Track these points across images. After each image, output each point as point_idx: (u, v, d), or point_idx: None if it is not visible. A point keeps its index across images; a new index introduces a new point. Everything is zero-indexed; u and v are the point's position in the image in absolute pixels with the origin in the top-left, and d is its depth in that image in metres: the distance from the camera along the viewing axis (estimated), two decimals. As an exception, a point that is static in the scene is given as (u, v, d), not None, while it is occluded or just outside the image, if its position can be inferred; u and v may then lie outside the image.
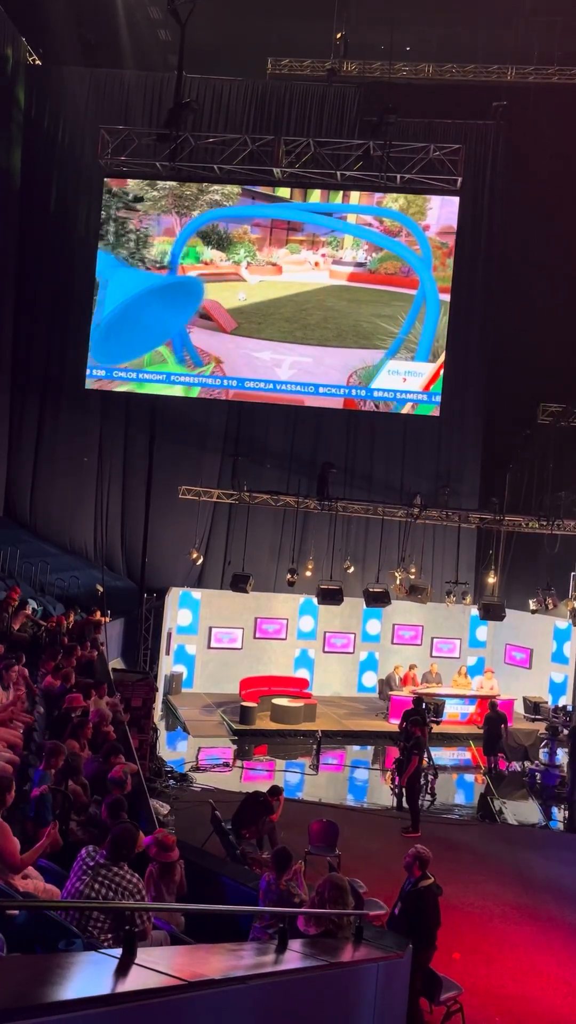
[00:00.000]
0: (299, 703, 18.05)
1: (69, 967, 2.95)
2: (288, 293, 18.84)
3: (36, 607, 16.13)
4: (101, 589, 18.01)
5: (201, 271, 18.90)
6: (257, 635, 20.44)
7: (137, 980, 2.84)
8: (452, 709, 18.23)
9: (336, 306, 18.75)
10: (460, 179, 17.24)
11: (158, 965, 3.00)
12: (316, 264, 18.68)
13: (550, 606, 17.77)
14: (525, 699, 18.43)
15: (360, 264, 18.63)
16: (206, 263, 18.92)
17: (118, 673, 15.14)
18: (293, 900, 6.04)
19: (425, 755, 13.98)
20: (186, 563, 20.03)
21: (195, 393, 18.97)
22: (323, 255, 18.73)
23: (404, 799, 12.57)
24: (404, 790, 12.53)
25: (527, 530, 18.50)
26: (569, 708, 17.23)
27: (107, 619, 16.59)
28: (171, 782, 13.54)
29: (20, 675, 10.08)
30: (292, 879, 6.31)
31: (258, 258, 18.82)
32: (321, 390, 18.54)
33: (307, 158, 17.54)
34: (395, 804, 13.68)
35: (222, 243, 18.84)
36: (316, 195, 18.57)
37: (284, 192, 18.64)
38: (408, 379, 18.28)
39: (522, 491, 19.11)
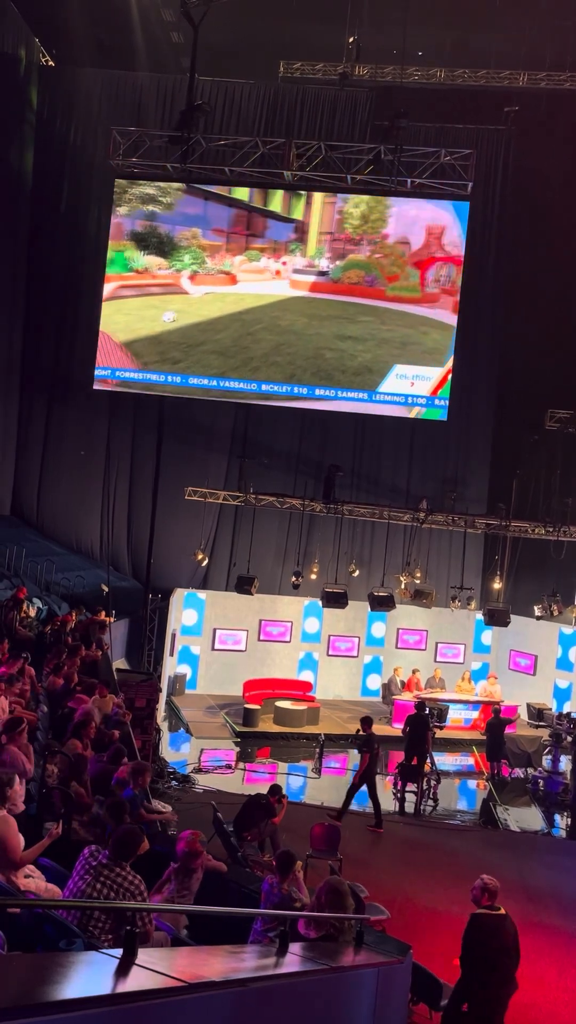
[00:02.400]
0: (302, 706, 18.03)
1: (70, 966, 2.95)
2: (238, 309, 16.79)
3: (41, 607, 16.17)
4: (106, 589, 18.03)
5: (129, 281, 16.91)
6: (261, 637, 20.43)
7: (137, 981, 2.84)
8: (455, 714, 18.17)
9: (294, 326, 16.91)
10: (471, 184, 17.24)
11: (158, 966, 3.00)
12: (277, 273, 17.12)
13: (555, 612, 17.74)
14: (529, 705, 18.36)
15: (323, 273, 17.47)
16: (138, 272, 16.97)
17: (122, 673, 15.15)
18: (294, 903, 6.04)
19: (428, 759, 14.01)
20: (191, 564, 20.05)
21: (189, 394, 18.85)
22: (284, 263, 17.29)
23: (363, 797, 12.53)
24: (367, 788, 12.55)
25: (533, 536, 18.47)
26: (573, 715, 17.18)
27: (112, 619, 16.61)
28: (173, 783, 13.53)
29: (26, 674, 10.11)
30: (291, 880, 6.31)
31: (207, 266, 17.21)
32: (325, 393, 18.50)
33: (318, 161, 17.55)
34: (397, 809, 13.67)
35: (163, 248, 17.17)
36: (278, 201, 17.64)
37: (242, 193, 17.41)
38: (416, 383, 18.26)
39: (529, 497, 19.09)
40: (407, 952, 5.44)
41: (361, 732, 12.92)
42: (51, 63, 21.83)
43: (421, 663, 20.07)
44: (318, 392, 18.54)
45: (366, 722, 12.98)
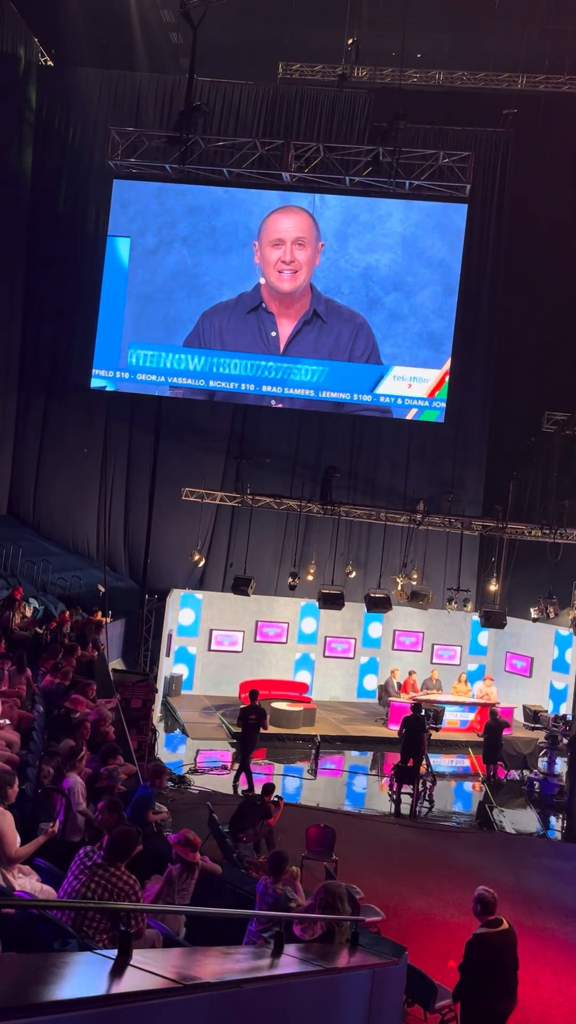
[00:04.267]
0: (298, 707, 18.02)
1: (64, 967, 2.95)
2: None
3: (37, 607, 16.15)
4: (103, 589, 18.01)
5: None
6: (258, 638, 20.42)
7: (132, 982, 2.84)
8: (451, 716, 18.18)
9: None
10: (469, 186, 17.26)
11: (153, 967, 3.00)
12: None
13: (551, 615, 17.74)
14: (525, 707, 18.38)
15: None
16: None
17: (118, 674, 15.15)
18: (289, 904, 6.03)
19: (424, 761, 14.03)
20: (188, 565, 20.03)
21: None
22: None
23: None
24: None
25: (530, 538, 18.47)
26: (568, 717, 17.20)
27: (108, 619, 16.59)
28: (169, 784, 13.51)
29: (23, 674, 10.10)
30: (288, 883, 6.31)
31: None
32: (319, 394, 18.51)
33: (316, 163, 17.57)
34: (393, 810, 13.67)
35: None
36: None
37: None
38: (413, 385, 18.28)
39: (526, 499, 19.10)
40: (402, 954, 5.44)
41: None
42: (50, 63, 21.81)
43: (417, 665, 20.07)
44: (315, 393, 18.55)
45: (251, 694, 14.40)
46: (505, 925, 6.00)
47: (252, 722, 13.98)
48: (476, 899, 6.10)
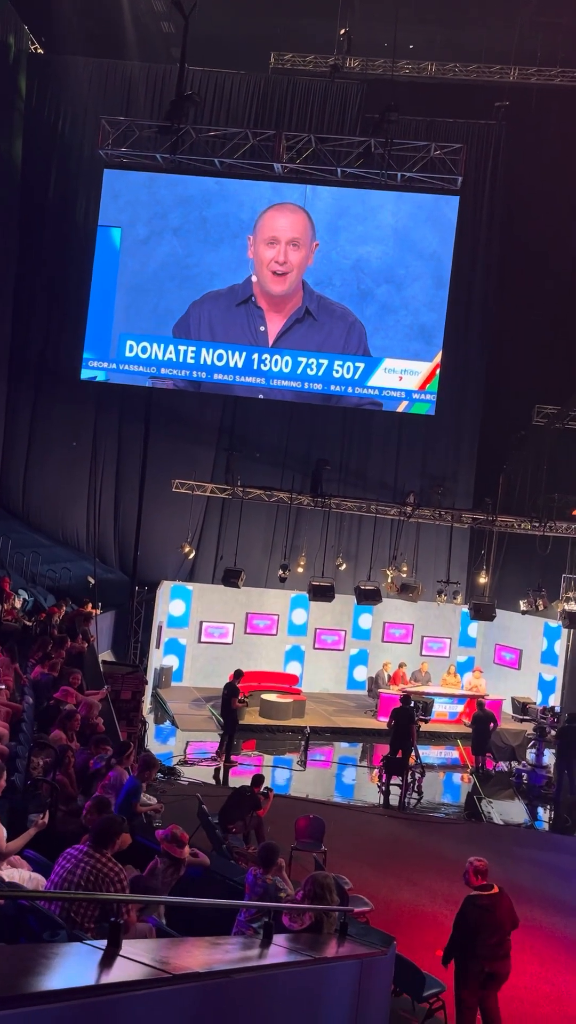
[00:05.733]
0: (288, 699, 18.05)
1: (54, 957, 2.96)
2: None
3: (27, 598, 16.11)
4: (92, 581, 17.98)
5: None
6: (248, 630, 20.44)
7: (122, 972, 2.85)
8: (441, 708, 18.26)
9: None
10: (461, 178, 17.24)
11: (143, 957, 3.01)
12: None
13: (540, 607, 17.81)
14: (513, 699, 18.48)
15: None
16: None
17: (108, 665, 15.15)
18: (279, 895, 6.06)
19: (413, 752, 14.10)
20: (178, 556, 20.00)
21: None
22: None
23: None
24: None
25: (519, 531, 18.54)
26: (557, 709, 17.30)
27: (98, 611, 16.57)
28: (159, 775, 13.52)
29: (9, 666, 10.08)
30: (275, 874, 6.33)
31: None
32: (309, 386, 18.50)
33: (308, 154, 17.53)
34: (382, 801, 13.72)
35: None
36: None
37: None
38: (404, 377, 18.29)
39: (515, 492, 19.15)
40: (390, 944, 5.47)
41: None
42: (40, 51, 21.64)
43: (407, 656, 20.12)
44: (306, 386, 18.55)
45: (236, 674, 15.43)
46: (495, 890, 6.35)
47: (224, 696, 15.18)
48: (472, 870, 6.45)
